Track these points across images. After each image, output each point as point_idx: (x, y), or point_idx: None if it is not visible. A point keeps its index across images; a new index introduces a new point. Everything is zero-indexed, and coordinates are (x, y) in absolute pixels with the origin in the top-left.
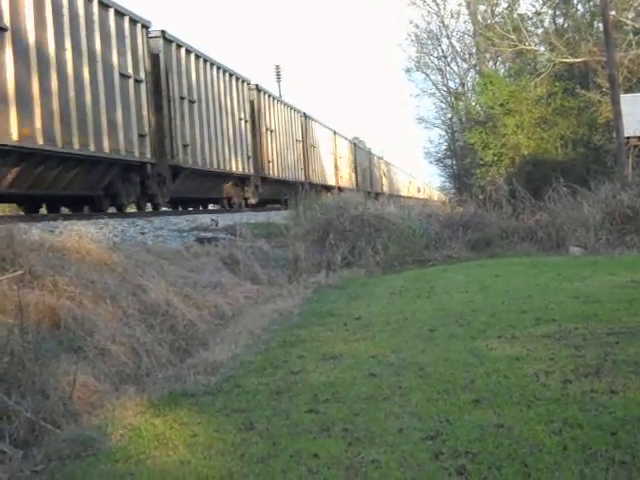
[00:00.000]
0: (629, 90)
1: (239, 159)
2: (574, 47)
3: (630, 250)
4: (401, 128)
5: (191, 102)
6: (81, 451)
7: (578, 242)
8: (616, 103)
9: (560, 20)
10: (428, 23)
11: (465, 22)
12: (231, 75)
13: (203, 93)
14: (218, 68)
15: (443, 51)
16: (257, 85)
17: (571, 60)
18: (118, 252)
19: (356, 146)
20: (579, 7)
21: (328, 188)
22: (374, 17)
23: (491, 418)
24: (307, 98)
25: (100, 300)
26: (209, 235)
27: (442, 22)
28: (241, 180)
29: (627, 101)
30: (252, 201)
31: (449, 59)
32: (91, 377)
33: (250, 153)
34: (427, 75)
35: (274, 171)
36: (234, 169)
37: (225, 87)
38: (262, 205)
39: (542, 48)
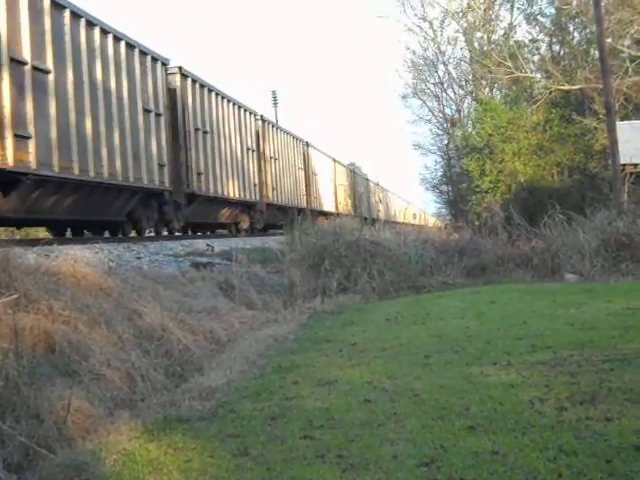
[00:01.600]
0: (625, 117)
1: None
2: (570, 74)
3: (625, 277)
4: (397, 154)
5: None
6: (75, 476)
7: (573, 269)
8: (612, 130)
9: (556, 47)
10: (425, 49)
11: (462, 49)
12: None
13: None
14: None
15: (439, 77)
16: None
17: (567, 87)
18: (114, 276)
19: (354, 172)
20: (575, 34)
21: (326, 214)
22: (370, 43)
23: (486, 445)
24: (303, 123)
25: (95, 325)
26: (205, 260)
27: (439, 49)
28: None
29: (623, 128)
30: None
31: (445, 85)
32: (86, 402)
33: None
34: (423, 101)
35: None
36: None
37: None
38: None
39: (538, 75)
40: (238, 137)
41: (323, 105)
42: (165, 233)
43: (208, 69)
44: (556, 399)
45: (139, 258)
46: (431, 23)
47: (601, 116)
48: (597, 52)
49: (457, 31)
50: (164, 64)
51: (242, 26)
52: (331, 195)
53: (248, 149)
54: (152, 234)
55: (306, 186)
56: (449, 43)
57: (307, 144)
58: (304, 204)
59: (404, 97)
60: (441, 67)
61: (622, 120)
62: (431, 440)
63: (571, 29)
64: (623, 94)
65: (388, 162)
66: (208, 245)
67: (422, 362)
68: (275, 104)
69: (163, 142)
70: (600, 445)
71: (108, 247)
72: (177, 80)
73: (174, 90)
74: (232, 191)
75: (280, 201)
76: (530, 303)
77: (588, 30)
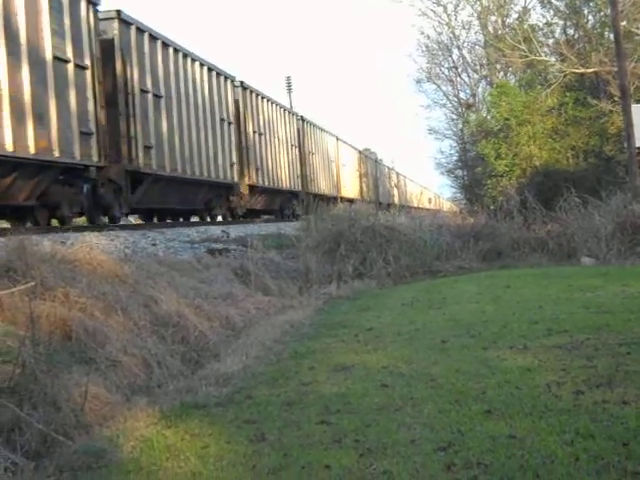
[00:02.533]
0: None
1: None
2: (585, 57)
3: None
4: (412, 139)
5: None
6: (93, 462)
7: (589, 252)
8: (627, 113)
9: (571, 31)
10: (439, 34)
11: (476, 33)
12: None
13: None
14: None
15: (454, 62)
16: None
17: (582, 70)
18: (129, 263)
19: (365, 156)
20: (590, 17)
21: (327, 199)
22: (384, 28)
23: (503, 429)
24: (318, 109)
25: (111, 311)
26: (220, 246)
27: (453, 33)
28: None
29: (638, 111)
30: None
31: (460, 70)
32: (102, 388)
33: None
34: (438, 86)
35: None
36: None
37: None
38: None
39: (553, 59)
40: (208, 105)
41: (337, 91)
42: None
43: (225, 57)
44: (573, 383)
45: (155, 245)
46: (445, 7)
47: (616, 99)
48: (612, 35)
49: (471, 15)
50: (92, 3)
51: (257, 12)
52: (333, 177)
53: (222, 120)
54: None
55: (301, 166)
56: (463, 27)
57: (302, 119)
58: (299, 187)
59: (418, 81)
60: (455, 51)
61: (637, 103)
62: (448, 424)
63: (585, 12)
64: (638, 77)
65: (403, 147)
66: (223, 231)
67: (438, 347)
68: (289, 90)
69: (90, 104)
70: (617, 428)
71: (124, 234)
72: (114, 28)
73: (110, 40)
74: (199, 170)
75: (267, 183)
76: (546, 287)
77: (602, 13)
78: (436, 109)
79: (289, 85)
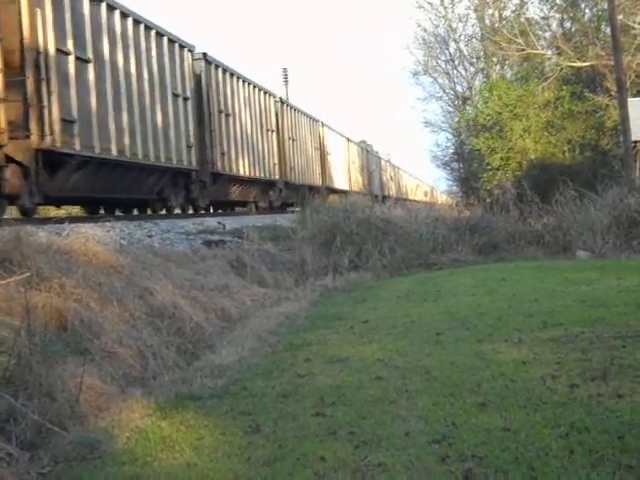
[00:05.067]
0: (637, 94)
1: None
2: (581, 51)
3: (637, 254)
4: (408, 132)
5: None
6: (87, 453)
7: (585, 246)
8: (623, 107)
9: (568, 24)
10: (436, 26)
11: (473, 26)
12: None
13: None
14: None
15: (451, 54)
16: None
17: (578, 64)
18: (125, 254)
19: (366, 151)
20: (586, 11)
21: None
22: (382, 20)
23: (497, 422)
24: (315, 102)
25: (107, 302)
26: (216, 238)
27: (450, 26)
28: None
29: (635, 105)
30: None
31: (456, 62)
32: (98, 379)
33: None
34: (434, 78)
35: None
36: None
37: None
38: None
39: (549, 52)
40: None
41: (334, 82)
42: None
43: (223, 49)
44: (567, 376)
45: (150, 236)
46: (442, 0)
47: (612, 93)
48: (608, 29)
49: (468, 8)
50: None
51: (254, 5)
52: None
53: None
54: None
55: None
56: (460, 20)
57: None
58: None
59: (415, 74)
60: (452, 44)
61: (634, 97)
62: (442, 417)
63: (582, 6)
64: (634, 71)
65: (399, 139)
66: (219, 223)
67: (433, 339)
68: (286, 82)
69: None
70: (612, 422)
71: (119, 225)
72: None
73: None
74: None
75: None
76: (541, 280)
77: (599, 7)
78: (432, 102)
79: (285, 77)
